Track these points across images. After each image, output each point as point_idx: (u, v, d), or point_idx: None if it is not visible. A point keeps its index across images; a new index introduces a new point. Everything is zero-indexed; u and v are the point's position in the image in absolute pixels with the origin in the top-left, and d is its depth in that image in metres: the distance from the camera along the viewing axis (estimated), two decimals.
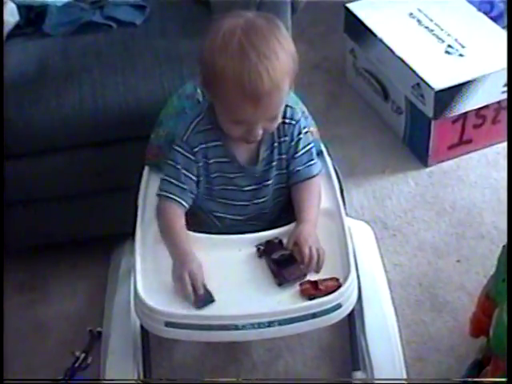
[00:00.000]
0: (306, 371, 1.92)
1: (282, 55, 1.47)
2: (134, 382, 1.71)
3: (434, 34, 2.50)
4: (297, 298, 1.48)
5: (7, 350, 1.98)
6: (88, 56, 1.99)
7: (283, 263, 1.51)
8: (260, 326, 1.43)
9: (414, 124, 2.48)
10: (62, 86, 1.91)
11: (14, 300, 2.13)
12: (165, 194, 1.62)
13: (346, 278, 1.49)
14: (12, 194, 2.01)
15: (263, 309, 1.45)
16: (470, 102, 2.35)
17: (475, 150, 2.50)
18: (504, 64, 2.29)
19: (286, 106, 1.62)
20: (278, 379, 1.89)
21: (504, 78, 2.31)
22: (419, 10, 2.60)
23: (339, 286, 1.48)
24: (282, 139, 1.64)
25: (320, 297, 1.46)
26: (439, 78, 2.31)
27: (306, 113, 1.78)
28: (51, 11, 2.09)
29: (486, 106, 2.40)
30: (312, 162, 1.68)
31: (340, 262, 1.54)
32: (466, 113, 2.38)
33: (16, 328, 2.06)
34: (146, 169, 1.74)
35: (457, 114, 2.37)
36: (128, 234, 1.70)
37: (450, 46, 2.44)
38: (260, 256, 1.56)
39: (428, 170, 2.46)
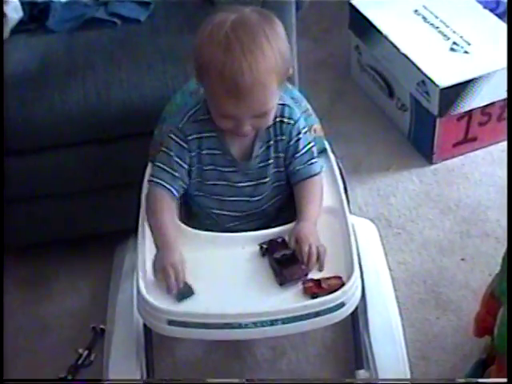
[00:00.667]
0: (309, 369, 1.92)
1: (269, 52, 1.46)
2: (135, 382, 1.71)
3: (439, 31, 2.49)
4: (300, 297, 1.47)
5: (10, 347, 1.99)
6: (92, 52, 1.98)
7: (285, 263, 1.51)
8: (263, 324, 1.43)
9: (419, 121, 2.47)
10: (65, 83, 1.91)
11: (17, 297, 2.13)
12: (155, 180, 1.62)
13: (349, 277, 1.48)
14: (15, 191, 2.00)
15: (266, 307, 1.45)
16: (476, 100, 2.34)
17: (480, 148, 2.49)
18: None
19: (285, 105, 1.61)
20: (281, 379, 1.88)
21: None
22: (424, 7, 2.59)
23: (342, 285, 1.47)
24: (279, 138, 1.63)
25: (323, 295, 1.46)
26: (444, 76, 2.30)
27: (310, 110, 1.77)
28: (55, 7, 2.08)
29: (492, 104, 2.39)
30: (313, 161, 1.67)
31: (343, 261, 1.53)
32: (471, 110, 2.37)
33: (19, 325, 2.06)
34: (150, 165, 1.73)
35: (462, 111, 2.36)
36: (131, 231, 1.70)
37: (455, 43, 2.43)
38: (263, 255, 1.56)
39: (433, 167, 2.45)
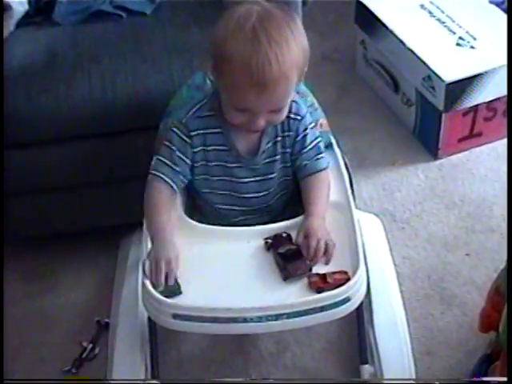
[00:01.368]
0: (313, 364, 1.92)
1: (293, 46, 1.47)
2: (137, 382, 1.71)
3: (445, 26, 2.48)
4: (305, 291, 1.47)
5: (15, 340, 2.00)
6: (97, 45, 1.98)
7: (289, 258, 1.51)
8: (268, 318, 1.43)
9: (425, 116, 2.47)
10: (71, 76, 1.91)
11: (22, 290, 2.13)
12: (156, 173, 1.61)
13: (354, 272, 1.48)
14: (21, 184, 2.01)
15: (271, 302, 1.45)
16: (481, 95, 2.33)
17: (485, 143, 2.49)
18: None
19: (292, 100, 1.61)
20: (283, 379, 1.88)
21: None
22: (430, 2, 2.59)
23: (348, 280, 1.47)
24: (286, 133, 1.63)
25: (328, 290, 1.45)
26: (450, 71, 2.30)
27: (316, 104, 1.78)
28: (60, 0, 2.08)
29: (497, 99, 2.38)
30: (320, 156, 1.67)
31: (349, 255, 1.53)
32: (476, 105, 2.37)
33: (23, 318, 2.06)
34: (155, 159, 1.73)
35: (467, 106, 2.35)
36: (136, 225, 1.71)
37: (461, 37, 2.43)
38: (268, 249, 1.55)
39: (438, 162, 2.45)
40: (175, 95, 1.77)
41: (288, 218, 1.61)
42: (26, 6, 2.05)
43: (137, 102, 1.89)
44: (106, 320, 1.97)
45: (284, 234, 1.57)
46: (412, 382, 1.75)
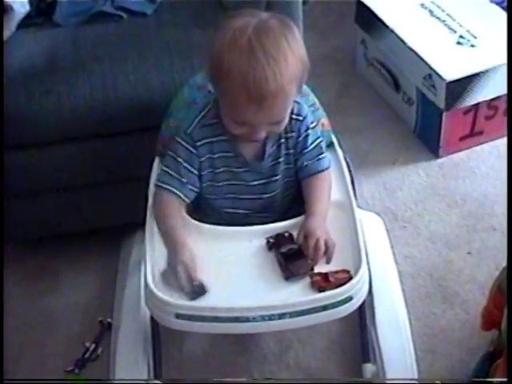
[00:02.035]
0: (316, 363, 1.92)
1: (291, 59, 1.46)
2: (139, 382, 1.71)
3: (445, 25, 2.49)
4: (307, 290, 1.47)
5: (17, 341, 2.00)
6: (99, 46, 1.98)
7: (291, 257, 1.51)
8: (271, 318, 1.43)
9: (425, 115, 2.47)
10: (72, 77, 1.91)
11: (25, 290, 2.14)
12: (162, 185, 1.61)
13: (357, 270, 1.48)
14: (22, 185, 2.01)
15: (274, 301, 1.45)
16: (482, 93, 2.34)
17: (487, 142, 2.49)
18: None
19: (294, 101, 1.60)
20: (286, 379, 1.88)
21: None
22: (431, 1, 2.59)
23: (350, 278, 1.47)
24: (289, 135, 1.63)
25: (331, 289, 1.45)
26: (451, 69, 2.30)
27: (317, 104, 1.77)
28: (61, 2, 2.09)
29: (498, 97, 2.39)
30: (321, 156, 1.67)
31: (351, 254, 1.53)
32: (477, 104, 2.37)
33: (26, 318, 2.07)
34: (157, 160, 1.73)
35: (468, 105, 2.36)
36: (138, 225, 1.71)
37: (461, 36, 2.43)
38: (270, 249, 1.56)
39: (439, 161, 2.45)
40: (177, 95, 1.76)
41: (291, 218, 1.61)
42: (28, 8, 2.05)
43: (138, 102, 1.89)
44: (109, 320, 1.97)
45: (286, 234, 1.57)
46: (413, 382, 1.75)
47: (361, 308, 1.71)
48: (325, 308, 1.44)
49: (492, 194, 2.32)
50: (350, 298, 1.46)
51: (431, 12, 2.55)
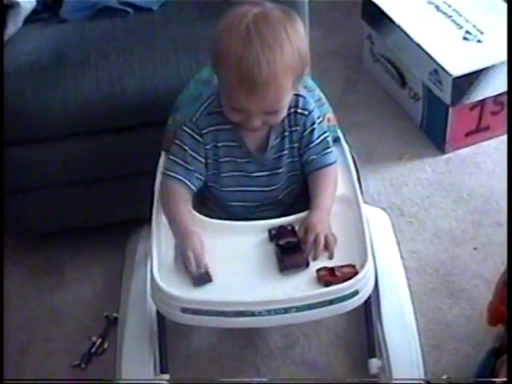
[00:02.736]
0: (321, 358, 1.92)
1: (288, 50, 1.46)
2: (144, 381, 1.72)
3: (452, 20, 2.48)
4: (313, 285, 1.47)
5: (24, 335, 2.01)
6: (104, 41, 1.98)
7: (287, 250, 1.51)
8: (277, 312, 1.43)
9: (432, 111, 2.47)
10: (78, 71, 1.91)
11: (31, 285, 2.14)
12: (169, 173, 1.62)
13: (363, 265, 1.48)
14: (28, 179, 2.02)
15: (280, 295, 1.45)
16: (488, 89, 2.33)
17: (493, 137, 2.48)
18: None
19: (299, 95, 1.61)
20: (291, 379, 1.88)
21: None
22: None
23: (356, 273, 1.47)
24: (294, 129, 1.63)
25: (337, 283, 1.45)
26: (457, 65, 2.30)
27: (323, 99, 1.78)
28: None
29: (504, 93, 2.38)
30: (328, 151, 1.66)
31: (357, 249, 1.53)
32: (483, 99, 2.37)
33: (33, 313, 2.07)
34: (163, 155, 1.73)
35: (474, 100, 2.35)
36: (144, 220, 1.71)
37: (468, 32, 2.43)
38: (271, 240, 1.56)
39: (445, 156, 2.45)
40: (183, 90, 1.77)
41: (297, 213, 1.61)
42: (34, 3, 2.05)
43: (144, 97, 1.89)
44: (115, 315, 1.98)
45: (289, 227, 1.56)
46: (419, 382, 1.75)
47: (366, 303, 1.71)
48: (331, 302, 1.44)
49: (498, 190, 2.31)
50: (355, 293, 1.46)
51: (437, 7, 2.54)
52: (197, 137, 1.61)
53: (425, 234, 2.20)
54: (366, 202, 1.72)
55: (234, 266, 1.52)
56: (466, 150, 2.46)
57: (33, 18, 2.05)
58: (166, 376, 1.75)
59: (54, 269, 2.18)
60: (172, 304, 1.46)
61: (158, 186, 1.67)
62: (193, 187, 1.62)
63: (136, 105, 1.90)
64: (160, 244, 1.56)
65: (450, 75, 2.27)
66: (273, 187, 1.69)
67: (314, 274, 1.48)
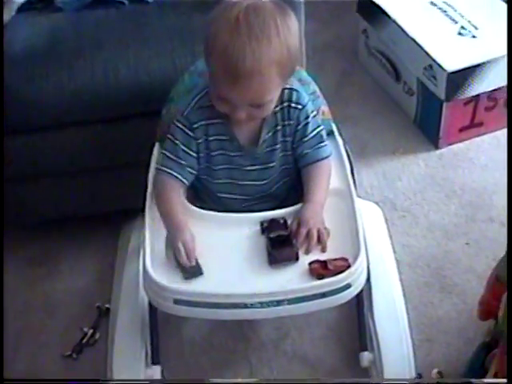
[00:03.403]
0: (313, 350, 1.93)
1: (276, 43, 1.45)
2: (140, 381, 1.72)
3: (447, 15, 2.49)
4: (306, 277, 1.48)
5: (16, 325, 2.01)
6: (100, 31, 1.98)
7: (277, 244, 1.51)
8: (269, 304, 1.44)
9: (426, 105, 2.47)
10: (73, 61, 1.91)
11: (24, 275, 2.14)
12: (164, 168, 1.62)
13: (355, 258, 1.49)
14: (21, 169, 2.01)
15: (272, 287, 1.45)
16: (482, 85, 2.33)
17: (486, 133, 2.49)
18: None
19: (292, 89, 1.61)
20: (288, 379, 1.88)
21: None
22: None
23: (348, 266, 1.47)
24: (287, 122, 1.63)
25: (329, 276, 1.46)
26: (452, 60, 2.30)
27: (318, 92, 1.77)
28: None
29: (498, 89, 2.38)
30: (321, 145, 1.66)
31: (350, 242, 1.54)
32: (477, 95, 2.37)
33: (25, 303, 2.07)
34: (157, 145, 1.73)
35: (469, 96, 2.36)
36: (137, 211, 1.71)
37: (463, 27, 2.43)
38: (262, 232, 1.56)
39: (439, 151, 2.45)
40: (178, 82, 1.77)
41: (291, 206, 1.61)
42: None
43: (139, 87, 1.89)
44: (107, 306, 1.98)
45: (281, 221, 1.57)
46: (413, 382, 1.76)
47: (358, 296, 1.71)
48: (323, 295, 1.45)
49: (491, 185, 2.32)
50: (348, 286, 1.46)
51: (433, 2, 2.54)
52: (188, 131, 1.61)
53: (417, 229, 2.21)
54: (359, 196, 1.72)
55: (227, 257, 1.52)
56: (460, 145, 2.46)
57: (27, 6, 2.05)
58: (158, 367, 1.75)
59: (46, 259, 2.18)
60: (164, 295, 1.46)
61: (151, 177, 1.67)
62: (185, 181, 1.63)
63: (130, 95, 1.90)
64: (153, 236, 1.56)
65: (445, 70, 2.27)
66: (265, 181, 1.69)
67: (307, 266, 1.49)
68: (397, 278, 1.94)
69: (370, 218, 2.00)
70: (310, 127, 1.65)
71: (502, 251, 1.70)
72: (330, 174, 1.66)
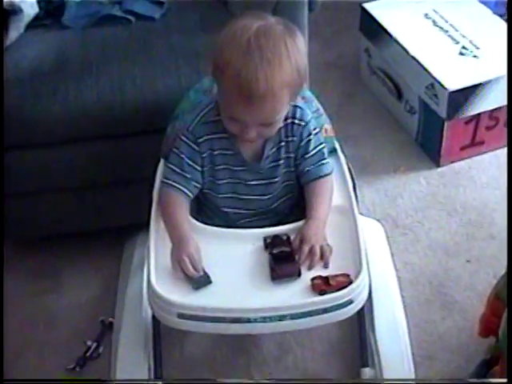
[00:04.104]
0: (314, 366, 1.93)
1: (286, 65, 1.47)
2: (143, 382, 1.72)
3: (448, 35, 2.51)
4: (308, 293, 1.49)
5: (19, 339, 2.01)
6: (106, 49, 2.00)
7: (280, 259, 1.52)
8: (271, 319, 1.44)
9: (427, 124, 2.49)
10: (79, 78, 1.93)
11: (27, 289, 2.15)
12: (167, 181, 1.64)
13: (357, 275, 1.50)
14: (27, 184, 2.03)
15: (275, 303, 1.46)
16: (484, 104, 2.35)
17: (487, 152, 2.51)
18: None
19: (296, 106, 1.63)
20: (290, 379, 1.89)
21: None
22: (435, 11, 2.61)
23: (350, 282, 1.49)
24: (290, 139, 1.65)
25: (331, 292, 1.47)
26: (453, 79, 2.32)
27: (321, 110, 1.79)
28: (70, 4, 2.11)
29: (499, 108, 2.40)
30: (323, 162, 1.68)
31: (352, 259, 1.55)
32: (479, 114, 2.39)
33: (28, 316, 2.08)
34: (162, 162, 1.75)
35: (470, 115, 2.38)
36: (141, 226, 1.72)
37: (464, 47, 2.45)
38: (266, 248, 1.57)
39: (440, 170, 2.47)
40: (183, 99, 1.79)
41: (294, 222, 1.62)
42: (37, 9, 2.07)
43: (145, 105, 1.91)
44: (111, 320, 1.98)
45: (284, 237, 1.58)
46: (411, 381, 1.77)
47: (360, 313, 1.73)
48: (325, 311, 1.46)
49: (491, 203, 2.33)
50: (350, 302, 1.47)
51: (434, 22, 2.57)
52: (193, 145, 1.63)
53: (418, 246, 2.22)
54: (361, 213, 1.74)
55: (231, 272, 1.53)
56: (461, 163, 2.48)
57: (35, 24, 2.08)
58: (160, 382, 1.76)
59: (50, 273, 2.18)
60: (169, 309, 1.47)
61: (156, 192, 1.68)
62: (190, 194, 1.64)
63: (136, 112, 1.91)
64: (157, 249, 1.57)
65: (446, 89, 2.29)
66: (268, 196, 1.71)
67: (309, 282, 1.50)
68: (398, 294, 1.94)
69: (372, 235, 2.01)
70: (312, 144, 1.67)
71: (503, 269, 1.72)
72: (332, 191, 1.67)
